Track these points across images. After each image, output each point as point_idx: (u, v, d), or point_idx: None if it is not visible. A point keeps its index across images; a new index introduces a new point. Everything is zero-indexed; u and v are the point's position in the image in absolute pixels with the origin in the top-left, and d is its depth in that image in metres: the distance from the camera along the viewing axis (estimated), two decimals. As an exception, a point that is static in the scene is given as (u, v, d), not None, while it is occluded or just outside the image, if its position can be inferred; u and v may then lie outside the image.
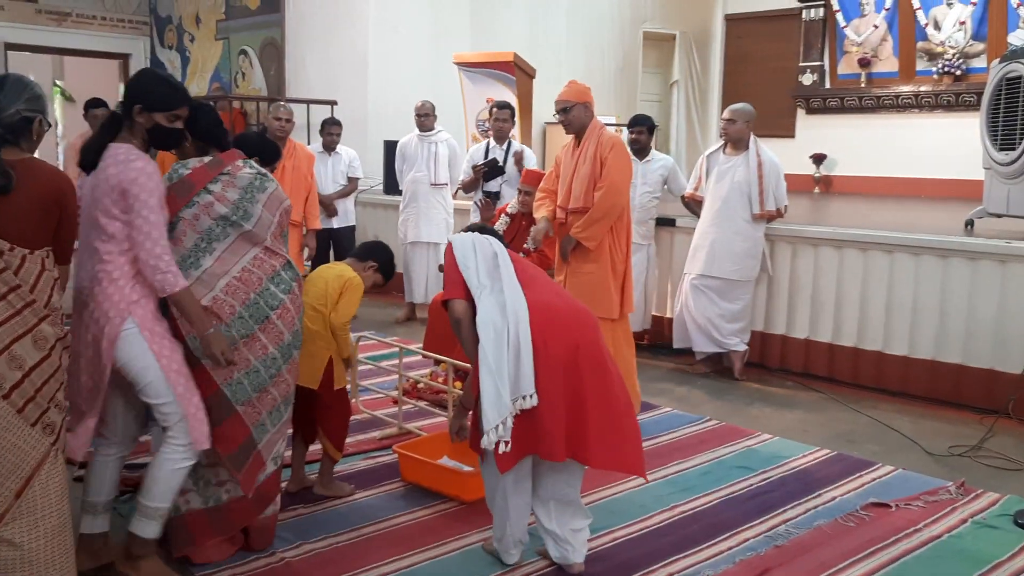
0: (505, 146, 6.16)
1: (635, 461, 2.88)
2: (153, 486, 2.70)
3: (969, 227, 5.39)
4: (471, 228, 3.29)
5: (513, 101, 7.53)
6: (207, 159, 2.89)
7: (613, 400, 2.84)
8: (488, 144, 6.24)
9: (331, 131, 6.94)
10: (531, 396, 2.72)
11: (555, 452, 2.75)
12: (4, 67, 9.62)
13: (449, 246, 3.05)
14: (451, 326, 2.97)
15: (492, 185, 6.11)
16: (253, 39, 9.80)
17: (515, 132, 7.62)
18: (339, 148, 7.01)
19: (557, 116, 4.46)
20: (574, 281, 4.43)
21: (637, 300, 5.67)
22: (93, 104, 6.30)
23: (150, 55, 11.26)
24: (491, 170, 5.97)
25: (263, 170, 2.97)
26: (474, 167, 6.08)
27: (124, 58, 11.16)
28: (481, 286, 2.87)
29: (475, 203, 5.51)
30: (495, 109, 6.23)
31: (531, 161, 6.17)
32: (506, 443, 2.70)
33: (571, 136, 4.54)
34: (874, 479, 3.85)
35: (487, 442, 2.71)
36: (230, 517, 2.90)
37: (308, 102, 8.69)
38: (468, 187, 6.24)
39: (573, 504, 2.95)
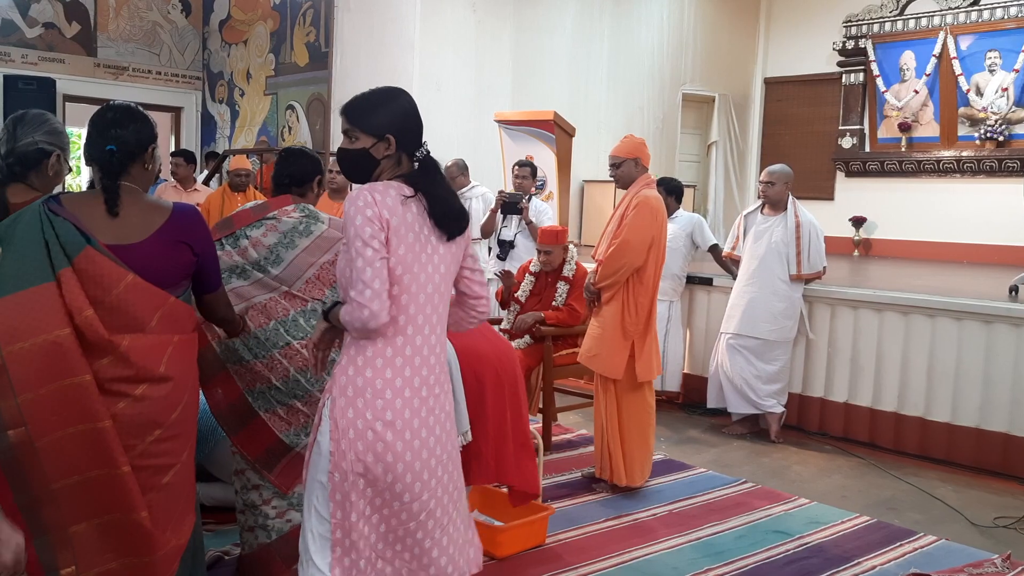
0: (527, 200, 6.27)
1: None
2: None
3: (1014, 293, 5.30)
4: None
5: (553, 159, 7.62)
6: (257, 203, 2.91)
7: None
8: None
9: None
10: (466, 433, 3.00)
11: (483, 478, 3.11)
12: (62, 117, 9.96)
13: None
14: None
15: (506, 233, 6.20)
16: (301, 94, 10.06)
17: (553, 189, 7.71)
18: None
19: (610, 171, 4.45)
20: (588, 334, 4.39)
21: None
22: (178, 154, 7.43)
23: (201, 108, 11.61)
24: (511, 203, 6.01)
25: (315, 213, 2.86)
26: (499, 191, 6.19)
27: (176, 111, 11.51)
28: None
29: (495, 274, 5.59)
30: (516, 167, 6.34)
31: (546, 215, 6.24)
32: None
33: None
34: (916, 549, 3.74)
35: None
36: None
37: (351, 156, 8.86)
38: (487, 227, 6.31)
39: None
